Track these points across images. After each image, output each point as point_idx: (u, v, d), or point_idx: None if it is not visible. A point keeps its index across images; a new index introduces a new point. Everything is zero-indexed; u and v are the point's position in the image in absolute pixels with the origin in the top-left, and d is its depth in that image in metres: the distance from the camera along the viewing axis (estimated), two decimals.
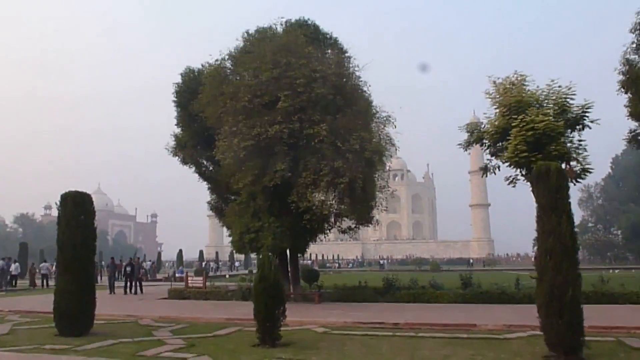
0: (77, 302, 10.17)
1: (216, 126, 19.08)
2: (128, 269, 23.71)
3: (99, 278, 35.92)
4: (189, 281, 19.71)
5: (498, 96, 18.32)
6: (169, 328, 11.22)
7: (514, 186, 19.83)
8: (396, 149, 18.53)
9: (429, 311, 13.56)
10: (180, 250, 55.85)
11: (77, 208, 10.55)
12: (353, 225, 19.06)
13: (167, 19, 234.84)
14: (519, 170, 18.80)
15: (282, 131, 15.29)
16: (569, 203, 8.19)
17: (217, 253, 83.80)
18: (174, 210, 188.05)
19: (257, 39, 20.34)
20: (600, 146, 32.85)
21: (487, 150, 20.20)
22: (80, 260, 10.39)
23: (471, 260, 66.14)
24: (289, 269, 18.60)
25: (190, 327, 11.37)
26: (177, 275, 33.64)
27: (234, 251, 17.86)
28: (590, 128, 18.48)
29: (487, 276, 26.78)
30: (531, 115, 16.44)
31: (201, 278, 19.62)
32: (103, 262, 42.76)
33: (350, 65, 18.28)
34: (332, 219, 18.13)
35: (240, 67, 17.81)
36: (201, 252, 66.40)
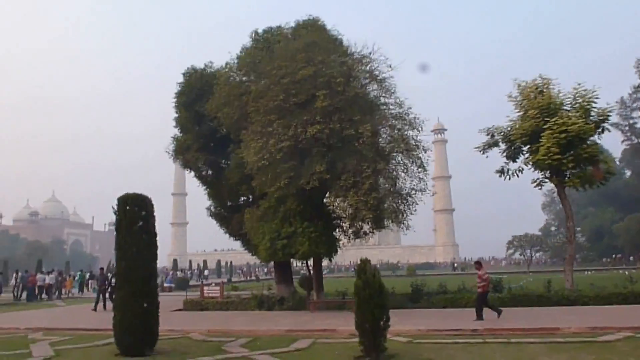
0: (142, 316, 9.08)
1: (234, 127, 18.21)
2: (113, 280, 21.15)
3: (74, 291, 33.74)
4: (205, 291, 18.53)
5: (523, 99, 18.43)
6: (234, 343, 10.26)
7: (540, 188, 19.99)
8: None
9: (487, 316, 13.13)
10: (175, 260, 53.14)
11: (138, 212, 9.47)
12: (369, 230, 18.57)
13: (132, 18, 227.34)
14: (542, 172, 19.01)
15: (321, 131, 14.61)
16: None
17: (174, 261, 75.71)
18: None
19: (277, 37, 19.68)
20: None
21: (504, 154, 20.35)
22: (144, 269, 9.32)
23: (455, 264, 67.09)
24: (313, 276, 17.85)
25: (257, 341, 10.45)
26: (165, 285, 31.98)
27: (264, 258, 16.86)
28: (609, 131, 18.88)
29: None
30: (563, 118, 16.56)
31: (218, 288, 18.52)
32: (73, 272, 40.22)
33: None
34: (360, 223, 17.55)
35: (266, 65, 16.99)
36: (175, 261, 63.65)
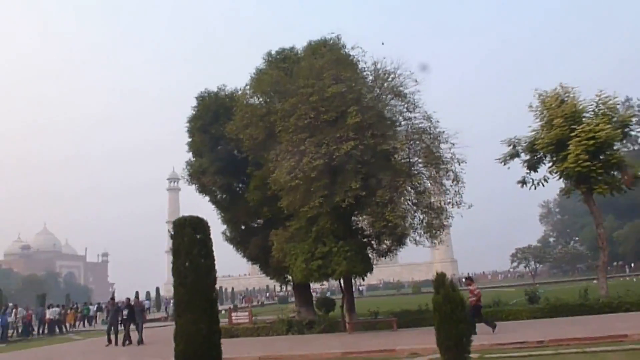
0: (206, 346, 8.64)
1: (258, 148, 18.00)
2: (125, 312, 18.10)
3: (81, 323, 32.71)
4: (233, 317, 17.98)
5: (545, 109, 18.51)
6: None
7: (568, 197, 19.96)
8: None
9: (540, 327, 12.85)
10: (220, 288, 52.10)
11: (196, 235, 9.11)
12: (393, 247, 18.32)
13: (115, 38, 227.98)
14: (567, 181, 18.98)
15: (355, 147, 14.44)
16: None
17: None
18: (124, 250, 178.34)
19: (292, 57, 19.74)
20: None
21: (525, 164, 20.35)
22: (205, 295, 8.92)
23: (464, 280, 66.52)
24: (346, 297, 17.42)
25: None
26: None
27: (299, 280, 16.38)
28: (631, 136, 19.01)
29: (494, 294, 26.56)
30: (591, 125, 16.62)
31: (246, 314, 17.99)
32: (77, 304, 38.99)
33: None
34: (390, 240, 17.30)
35: (287, 84, 16.94)
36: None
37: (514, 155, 20.10)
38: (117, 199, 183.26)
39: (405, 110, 16.22)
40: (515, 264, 56.57)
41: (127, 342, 17.60)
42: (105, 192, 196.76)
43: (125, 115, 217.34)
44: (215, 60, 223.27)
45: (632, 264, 60.96)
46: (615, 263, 62.98)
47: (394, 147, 14.73)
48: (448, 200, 15.33)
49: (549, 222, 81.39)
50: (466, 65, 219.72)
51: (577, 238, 75.29)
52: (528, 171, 20.10)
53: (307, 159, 14.57)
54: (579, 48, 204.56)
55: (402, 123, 16.31)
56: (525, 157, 20.02)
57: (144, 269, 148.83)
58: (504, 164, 20.40)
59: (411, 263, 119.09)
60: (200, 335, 8.65)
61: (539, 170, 20.00)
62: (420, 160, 15.88)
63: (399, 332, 14.87)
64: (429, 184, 15.89)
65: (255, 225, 24.17)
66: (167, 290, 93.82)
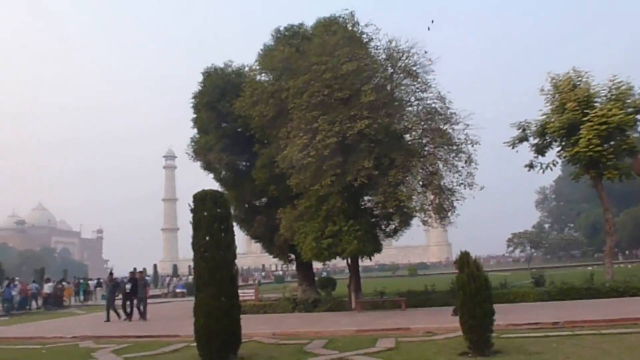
0: (227, 320, 8.61)
1: (267, 126, 17.80)
2: (128, 286, 17.75)
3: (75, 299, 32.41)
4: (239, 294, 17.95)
5: (556, 93, 18.36)
6: (312, 345, 9.84)
7: (577, 181, 19.96)
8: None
9: (550, 310, 12.91)
10: (175, 266, 52.66)
11: (217, 209, 9.01)
12: (398, 228, 18.31)
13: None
14: (576, 165, 18.94)
15: (369, 126, 14.27)
16: None
17: (174, 267, 75.60)
18: (119, 226, 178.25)
19: (301, 34, 19.44)
20: None
21: (533, 148, 20.29)
22: (227, 270, 8.87)
23: (453, 263, 67.14)
24: (353, 276, 17.46)
25: (337, 342, 10.04)
26: (177, 290, 31.24)
27: (309, 258, 16.33)
28: None
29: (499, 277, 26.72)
30: (604, 110, 16.52)
31: (252, 291, 18.01)
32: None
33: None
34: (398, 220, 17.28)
35: (297, 61, 16.65)
36: (175, 267, 62.38)
37: (523, 139, 20.03)
38: (112, 177, 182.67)
39: (417, 90, 16.04)
40: (511, 248, 57.04)
41: (127, 317, 17.04)
42: (101, 169, 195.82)
43: (121, 96, 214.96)
44: (216, 38, 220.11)
45: (627, 252, 61.64)
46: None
47: (406, 127, 14.57)
48: (460, 182, 15.25)
49: (545, 208, 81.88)
50: (472, 50, 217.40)
51: (571, 225, 75.84)
52: (535, 155, 20.06)
53: (321, 136, 14.40)
54: (592, 32, 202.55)
55: (414, 103, 16.15)
56: (533, 141, 19.98)
57: (138, 247, 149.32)
58: (512, 148, 20.33)
59: (407, 245, 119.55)
60: (222, 309, 8.66)
61: (546, 154, 19.99)
62: (431, 140, 15.74)
63: (408, 311, 14.94)
64: (440, 165, 15.79)
65: (257, 203, 24.07)
66: (163, 268, 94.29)
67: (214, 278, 8.71)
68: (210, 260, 8.78)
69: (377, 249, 15.86)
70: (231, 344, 8.74)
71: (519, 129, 19.88)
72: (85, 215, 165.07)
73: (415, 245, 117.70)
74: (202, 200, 9.00)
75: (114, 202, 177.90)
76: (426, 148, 15.80)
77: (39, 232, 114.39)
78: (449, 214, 15.66)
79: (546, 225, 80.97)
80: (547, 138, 18.81)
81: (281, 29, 21.19)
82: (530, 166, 20.31)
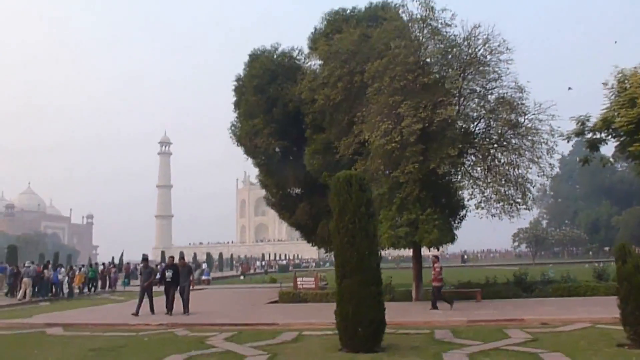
0: (374, 308, 8.25)
1: (335, 109, 17.36)
2: (169, 273, 14.77)
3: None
4: (298, 282, 17.64)
5: (625, 88, 18.18)
6: (442, 334, 9.56)
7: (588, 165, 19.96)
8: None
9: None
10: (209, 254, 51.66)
11: (362, 193, 8.59)
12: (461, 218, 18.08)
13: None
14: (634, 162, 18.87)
15: (458, 114, 13.95)
16: None
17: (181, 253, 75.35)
18: (110, 212, 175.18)
19: (352, 18, 19.12)
20: None
21: (587, 143, 20.19)
22: (374, 256, 8.49)
23: (465, 256, 67.67)
24: (415, 267, 17.17)
25: (469, 333, 9.78)
26: (203, 278, 30.69)
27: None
28: None
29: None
30: None
31: (312, 279, 17.65)
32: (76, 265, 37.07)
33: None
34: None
35: (365, 45, 16.24)
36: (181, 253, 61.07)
37: (580, 132, 19.91)
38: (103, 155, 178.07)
39: (497, 77, 15.75)
40: (516, 243, 57.59)
41: (168, 310, 14.34)
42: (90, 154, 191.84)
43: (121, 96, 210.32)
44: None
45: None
46: (606, 248, 64.81)
47: (499, 116, 14.28)
48: (541, 172, 15.07)
49: (543, 205, 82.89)
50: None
51: (567, 221, 76.89)
52: (589, 150, 19.98)
53: (407, 122, 14.00)
54: None
55: (493, 92, 15.85)
56: (587, 135, 19.87)
57: (129, 233, 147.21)
58: (568, 142, 20.22)
59: None
60: (371, 297, 8.29)
61: (600, 149, 19.92)
62: (510, 130, 15.49)
63: (484, 303, 14.75)
64: (518, 155, 15.55)
65: (296, 193, 23.63)
66: (155, 255, 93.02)
67: (363, 265, 8.32)
68: (359, 247, 8.37)
69: (453, 238, 15.61)
70: (378, 334, 8.39)
71: (578, 122, 19.70)
72: (74, 198, 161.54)
73: None
74: (347, 183, 8.56)
75: (106, 180, 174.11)
76: (503, 138, 15.54)
77: (29, 217, 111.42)
78: (528, 204, 15.49)
79: (544, 222, 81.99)
80: (610, 133, 18.66)
81: (333, 10, 21.00)
82: (586, 161, 20.22)
